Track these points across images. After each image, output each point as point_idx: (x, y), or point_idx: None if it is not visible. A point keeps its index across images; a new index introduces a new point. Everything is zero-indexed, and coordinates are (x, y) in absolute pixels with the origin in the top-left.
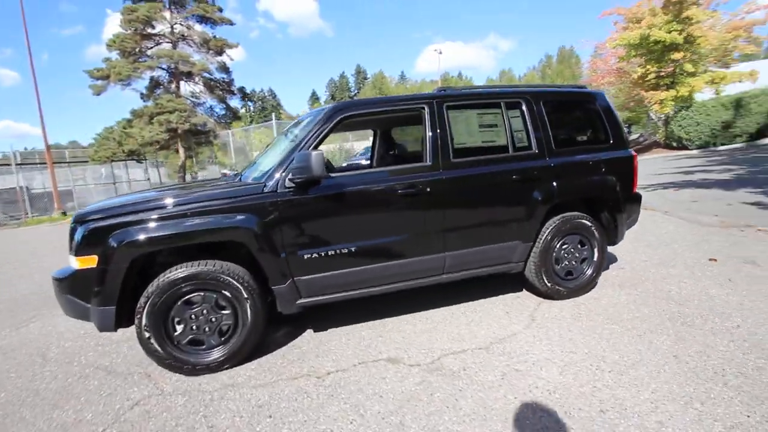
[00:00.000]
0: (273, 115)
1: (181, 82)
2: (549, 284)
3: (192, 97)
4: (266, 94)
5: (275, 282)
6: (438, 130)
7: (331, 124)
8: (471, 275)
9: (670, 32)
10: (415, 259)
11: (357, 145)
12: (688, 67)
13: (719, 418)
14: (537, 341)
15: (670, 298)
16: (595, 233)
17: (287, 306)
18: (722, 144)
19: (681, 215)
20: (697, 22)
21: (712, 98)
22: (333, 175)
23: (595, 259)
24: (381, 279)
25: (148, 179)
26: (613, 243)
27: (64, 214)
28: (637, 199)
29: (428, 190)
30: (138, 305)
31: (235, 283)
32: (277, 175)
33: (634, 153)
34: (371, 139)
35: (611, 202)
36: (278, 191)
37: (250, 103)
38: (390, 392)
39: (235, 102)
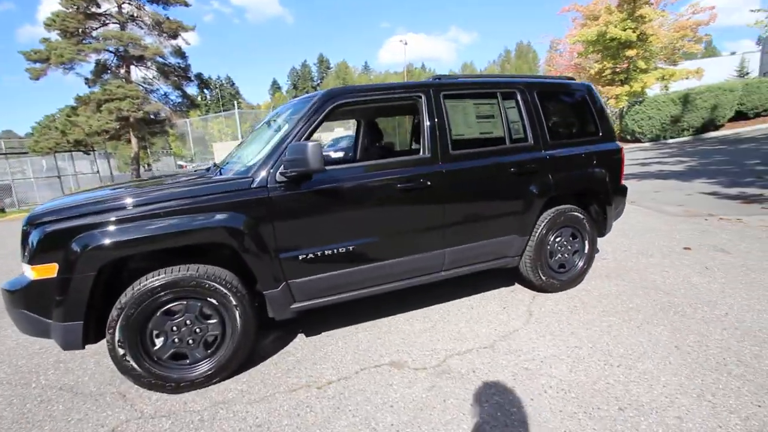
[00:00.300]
0: (235, 103)
1: (132, 67)
2: (544, 278)
3: (144, 83)
4: (223, 82)
5: (267, 286)
6: (436, 120)
7: (324, 113)
8: (469, 271)
9: (625, 30)
10: (415, 257)
11: (324, 135)
12: (641, 64)
13: (733, 409)
14: (540, 337)
15: (657, 288)
16: (587, 226)
17: (280, 311)
18: (671, 137)
19: (648, 205)
20: (649, 21)
21: (662, 94)
22: (327, 168)
23: (586, 251)
24: (379, 278)
25: (97, 172)
26: (602, 235)
27: (3, 211)
28: (624, 191)
29: (428, 183)
30: (110, 318)
31: (223, 289)
32: (267, 169)
33: (621, 146)
34: (341, 129)
35: (602, 195)
36: (269, 186)
37: (206, 92)
38: (400, 401)
39: (192, 89)
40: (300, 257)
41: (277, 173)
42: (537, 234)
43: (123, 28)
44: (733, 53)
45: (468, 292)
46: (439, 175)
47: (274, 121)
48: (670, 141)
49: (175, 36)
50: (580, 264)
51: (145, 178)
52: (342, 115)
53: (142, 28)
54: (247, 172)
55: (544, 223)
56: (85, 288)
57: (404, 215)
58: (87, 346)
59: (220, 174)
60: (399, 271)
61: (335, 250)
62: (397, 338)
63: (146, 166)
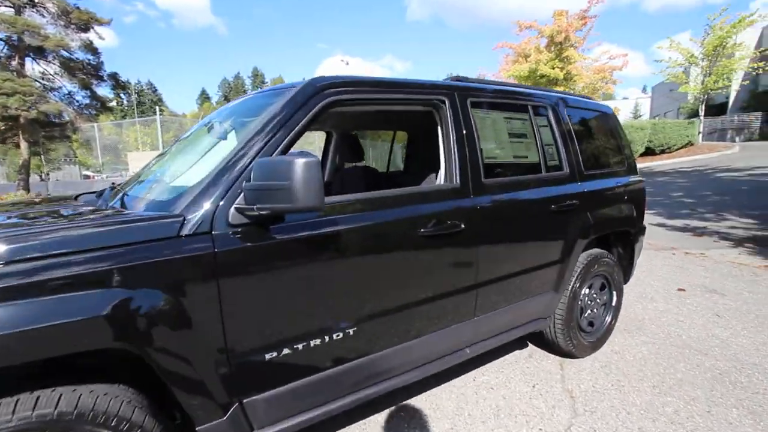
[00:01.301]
0: (157, 108)
1: (28, 60)
2: (575, 341)
3: (43, 79)
4: (144, 87)
5: (204, 416)
6: (465, 134)
7: (312, 112)
8: (496, 344)
9: (553, 68)
10: (440, 333)
11: None
12: None
13: None
14: None
15: (688, 346)
16: (616, 273)
17: None
18: None
19: None
20: (573, 62)
21: None
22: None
23: (614, 303)
24: (389, 372)
25: None
26: (626, 281)
27: None
28: (644, 230)
29: (462, 226)
30: None
31: None
32: (211, 201)
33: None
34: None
35: (632, 236)
36: (215, 233)
37: (123, 96)
38: None
39: (105, 90)
40: (268, 357)
41: (231, 210)
42: (570, 288)
43: (19, 12)
44: (625, 98)
45: (476, 361)
46: (473, 213)
47: (220, 123)
48: None
49: (86, 29)
50: (608, 319)
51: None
52: (328, 121)
53: (44, 16)
54: (173, 205)
55: (577, 274)
56: None
57: (427, 274)
58: None
59: (122, 205)
60: (417, 357)
61: (329, 338)
62: None
63: (43, 175)
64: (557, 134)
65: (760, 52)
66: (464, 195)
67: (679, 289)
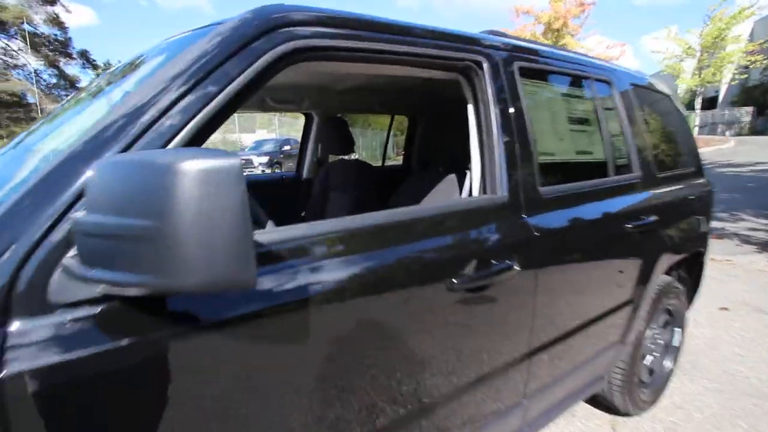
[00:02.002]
0: None
1: None
2: (634, 398)
3: (4, 55)
4: None
5: None
6: (514, 119)
7: (260, 63)
8: (545, 424)
9: None
10: None
11: (245, 138)
12: None
13: None
14: None
15: (763, 395)
16: (681, 305)
17: None
18: None
19: None
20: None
21: None
22: (264, 237)
23: (677, 342)
24: None
25: None
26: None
27: None
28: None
29: (516, 267)
30: None
31: None
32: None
33: None
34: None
35: (703, 256)
36: (13, 328)
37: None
38: None
39: (74, 70)
40: None
41: (56, 273)
42: (636, 333)
43: None
44: None
45: None
46: (531, 244)
47: (116, 76)
48: None
49: (51, 1)
50: (668, 364)
51: None
52: (299, 93)
53: None
54: None
55: (645, 314)
56: None
57: (459, 353)
58: None
59: None
60: None
61: None
62: None
63: None
64: (625, 122)
65: (759, 44)
66: (516, 213)
67: (722, 309)
